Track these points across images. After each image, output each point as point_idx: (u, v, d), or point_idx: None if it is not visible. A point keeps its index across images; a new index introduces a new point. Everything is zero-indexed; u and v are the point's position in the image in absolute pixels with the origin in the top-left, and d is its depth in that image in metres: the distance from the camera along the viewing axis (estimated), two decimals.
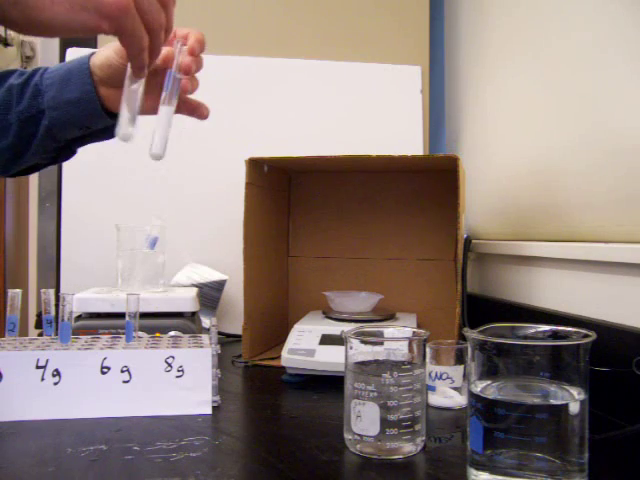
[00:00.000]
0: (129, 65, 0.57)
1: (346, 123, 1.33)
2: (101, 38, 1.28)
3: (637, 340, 0.65)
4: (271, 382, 0.87)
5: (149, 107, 0.66)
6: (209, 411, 0.70)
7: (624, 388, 0.66)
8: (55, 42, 1.29)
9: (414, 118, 1.35)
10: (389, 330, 0.63)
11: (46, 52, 1.30)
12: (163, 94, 0.62)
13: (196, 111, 0.71)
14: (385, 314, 0.96)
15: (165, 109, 0.62)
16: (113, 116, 0.70)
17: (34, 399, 0.67)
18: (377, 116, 1.34)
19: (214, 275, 1.21)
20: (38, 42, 1.34)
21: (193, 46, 0.64)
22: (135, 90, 0.58)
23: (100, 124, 0.71)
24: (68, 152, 0.76)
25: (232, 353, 1.01)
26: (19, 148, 0.70)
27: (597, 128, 0.82)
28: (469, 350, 0.51)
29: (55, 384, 0.67)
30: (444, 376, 0.74)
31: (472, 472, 0.50)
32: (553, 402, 0.47)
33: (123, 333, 0.74)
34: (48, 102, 0.68)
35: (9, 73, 0.71)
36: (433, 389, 0.74)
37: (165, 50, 0.64)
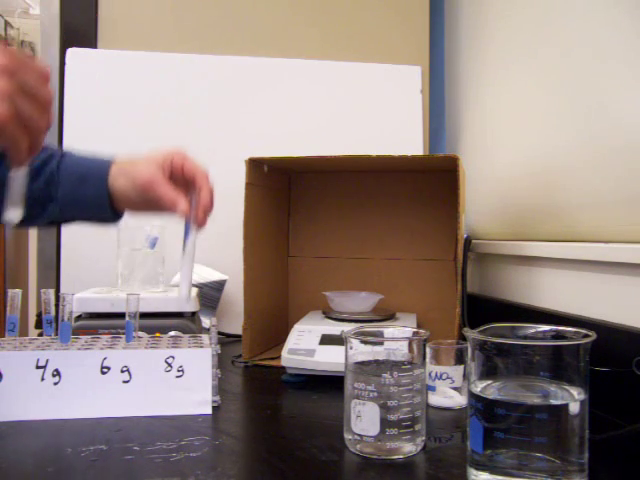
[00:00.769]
0: None
1: (346, 123, 1.33)
2: (101, 37, 1.28)
3: (637, 340, 0.65)
4: (271, 382, 0.87)
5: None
6: (209, 411, 0.70)
7: (624, 388, 0.66)
8: (55, 42, 1.29)
9: (414, 118, 1.35)
10: (389, 330, 0.63)
11: (46, 52, 1.30)
12: (184, 243, 0.73)
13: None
14: (385, 314, 0.96)
15: (186, 257, 0.73)
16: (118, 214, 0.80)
17: (34, 399, 0.67)
18: (377, 116, 1.34)
19: (214, 275, 1.21)
20: (38, 42, 1.33)
21: (206, 206, 0.75)
22: (17, 177, 0.60)
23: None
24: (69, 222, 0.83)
25: (232, 353, 1.01)
26: (26, 220, 0.72)
27: (597, 128, 0.82)
28: (469, 350, 0.51)
29: (55, 384, 0.67)
30: (444, 376, 0.74)
31: (472, 472, 0.50)
32: (553, 402, 0.47)
33: (123, 333, 0.74)
34: (62, 196, 0.76)
35: None
36: (433, 389, 0.74)
37: (184, 206, 0.72)
